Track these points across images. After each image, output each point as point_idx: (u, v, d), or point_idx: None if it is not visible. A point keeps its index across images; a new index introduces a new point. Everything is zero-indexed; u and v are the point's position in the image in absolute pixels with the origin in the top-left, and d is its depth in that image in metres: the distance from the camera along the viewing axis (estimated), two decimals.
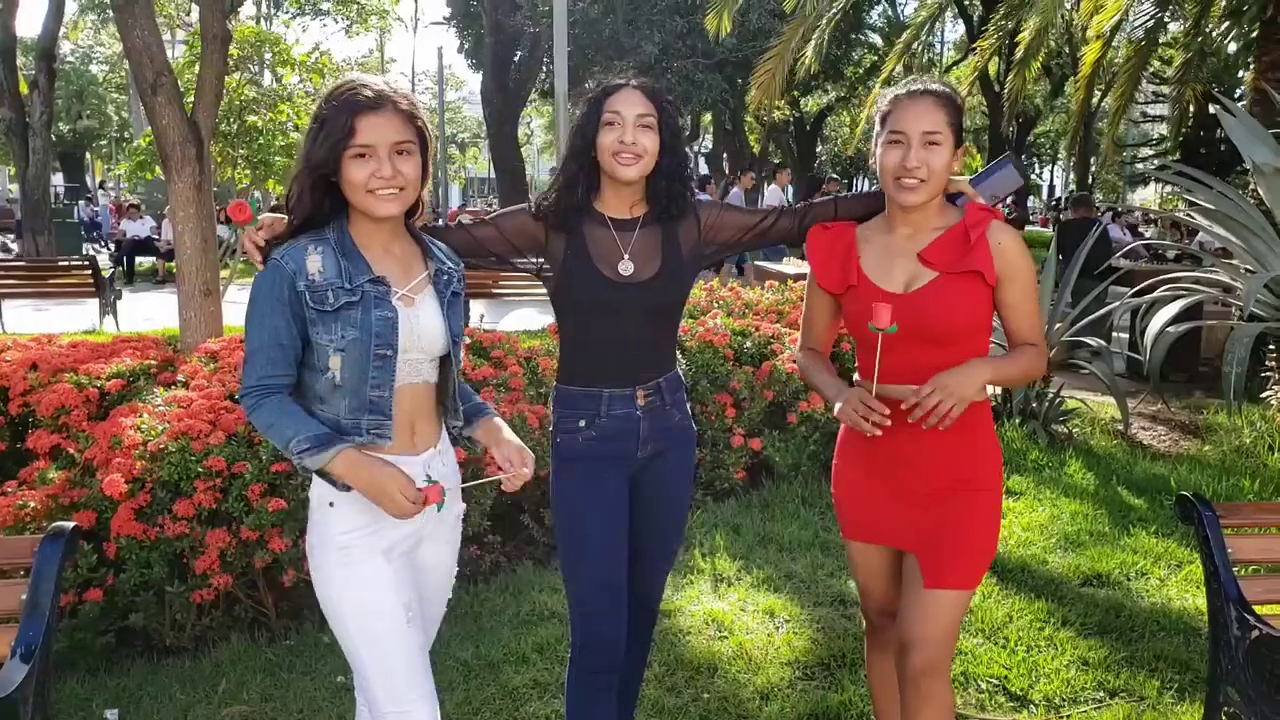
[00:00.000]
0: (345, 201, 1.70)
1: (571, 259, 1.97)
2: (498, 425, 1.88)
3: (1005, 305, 1.89)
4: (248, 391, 1.68)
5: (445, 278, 1.80)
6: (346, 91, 1.64)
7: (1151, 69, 15.60)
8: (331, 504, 1.72)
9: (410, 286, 1.75)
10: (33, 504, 3.02)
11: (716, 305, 5.51)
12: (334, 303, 1.65)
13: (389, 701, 1.74)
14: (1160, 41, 11.90)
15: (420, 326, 1.73)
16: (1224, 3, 8.79)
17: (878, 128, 1.91)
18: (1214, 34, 9.90)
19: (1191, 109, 13.27)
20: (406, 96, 1.68)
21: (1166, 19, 10.65)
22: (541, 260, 2.02)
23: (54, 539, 2.04)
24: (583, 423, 1.99)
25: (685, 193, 2.02)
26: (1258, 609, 2.08)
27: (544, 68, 19.85)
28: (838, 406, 1.88)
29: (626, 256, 1.97)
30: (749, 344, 4.72)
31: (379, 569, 1.73)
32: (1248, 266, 5.09)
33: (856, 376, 2.01)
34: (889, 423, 1.79)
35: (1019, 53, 8.55)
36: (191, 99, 4.77)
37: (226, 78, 7.11)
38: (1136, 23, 10.37)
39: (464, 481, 1.92)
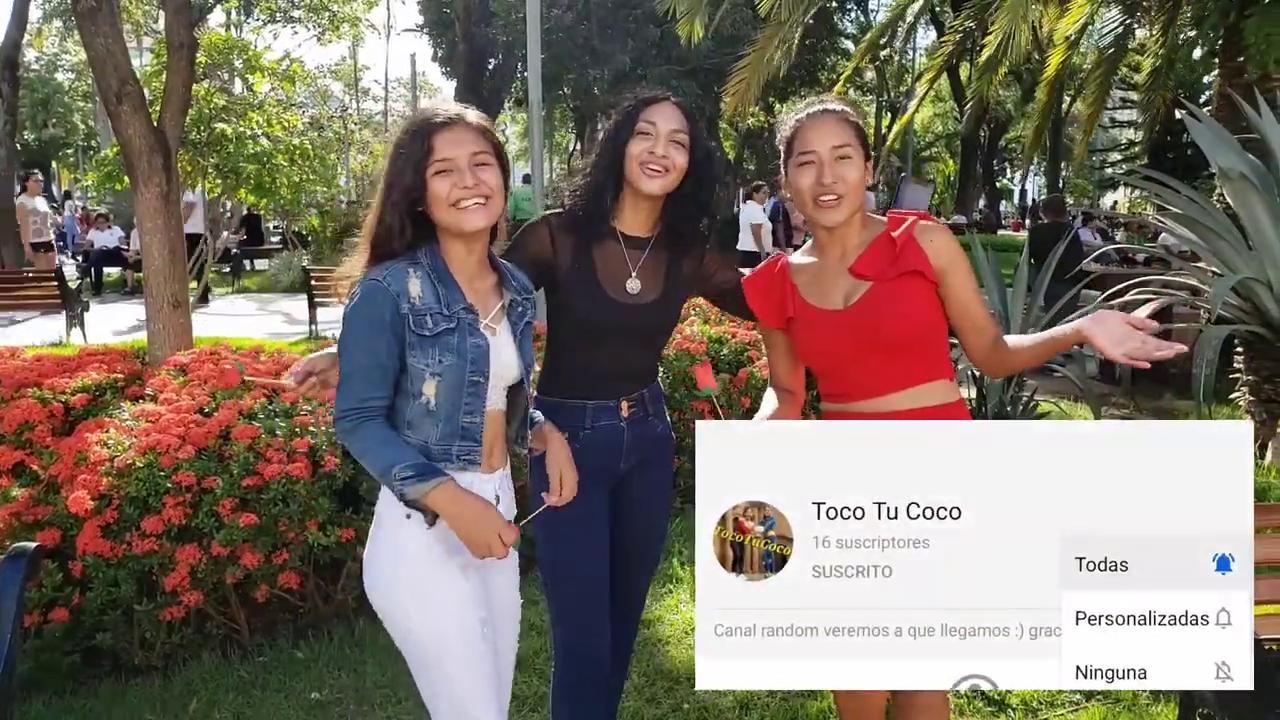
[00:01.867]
0: (431, 231, 1.71)
1: (577, 275, 1.95)
2: (548, 434, 1.88)
3: (953, 299, 1.86)
4: (345, 414, 1.65)
5: (520, 309, 1.81)
6: (420, 117, 1.69)
7: (1119, 75, 15.84)
8: (409, 516, 1.69)
9: (491, 316, 1.76)
10: None
11: (694, 313, 5.50)
12: (433, 328, 1.65)
13: None
14: (1129, 48, 12.07)
15: (502, 356, 1.74)
16: (1190, 11, 8.93)
17: (784, 153, 1.91)
18: (1181, 40, 10.06)
19: (1160, 115, 13.40)
20: (478, 114, 1.73)
21: (1135, 26, 10.79)
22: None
23: (14, 559, 2.00)
24: (566, 435, 1.97)
25: (704, 220, 2.01)
26: None
27: (518, 75, 19.84)
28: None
29: (634, 274, 1.96)
30: (725, 351, 4.72)
31: (457, 581, 1.72)
32: (1215, 269, 5.16)
33: (823, 403, 1.99)
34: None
35: (984, 55, 8.61)
36: (159, 108, 4.71)
37: (196, 86, 7.03)
38: (1105, 30, 10.51)
39: (517, 505, 1.91)
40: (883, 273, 1.85)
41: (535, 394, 2.05)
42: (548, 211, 2.03)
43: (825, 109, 1.89)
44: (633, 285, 1.96)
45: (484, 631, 1.73)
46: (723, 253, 2.12)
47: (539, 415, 1.92)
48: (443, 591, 1.71)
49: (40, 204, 13.02)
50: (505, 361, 1.76)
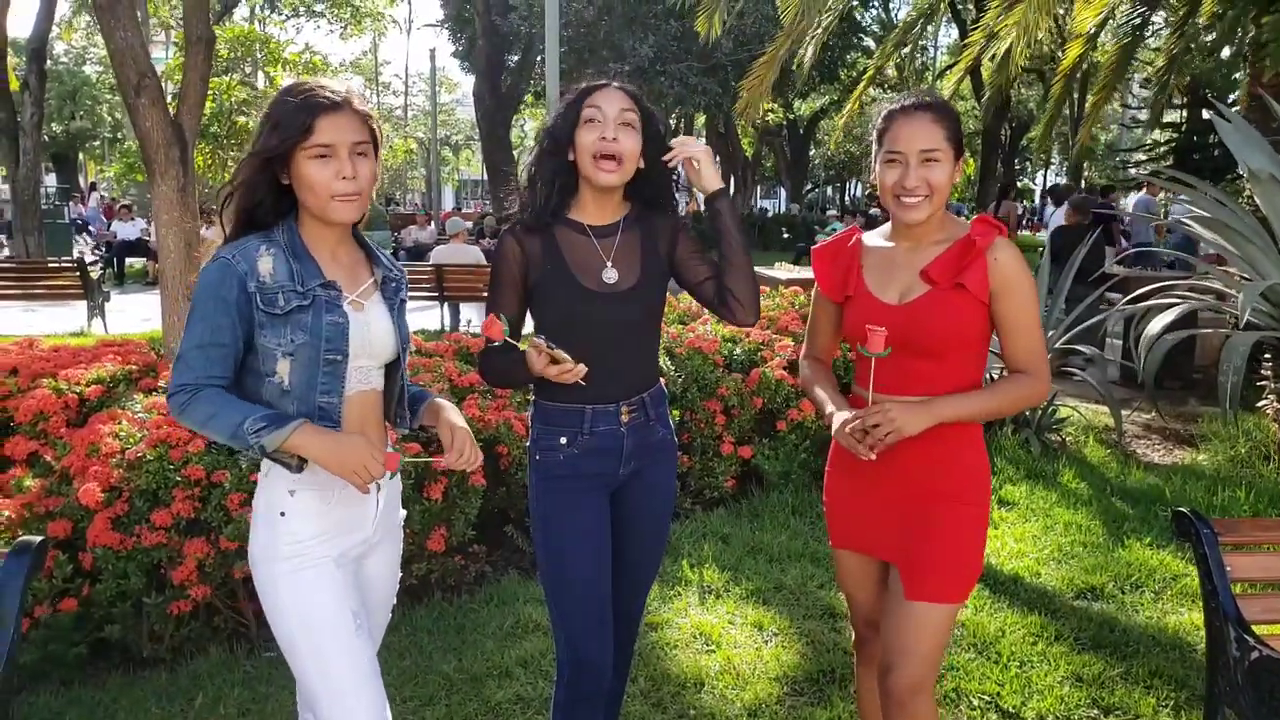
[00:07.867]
0: (293, 204, 1.68)
1: (550, 272, 1.90)
2: (439, 406, 1.84)
3: (998, 323, 1.85)
4: (179, 389, 1.59)
5: (393, 284, 1.79)
6: (307, 91, 1.63)
7: (1145, 74, 15.57)
8: (283, 514, 1.69)
9: (359, 292, 1.73)
10: (7, 513, 2.96)
11: (706, 311, 5.45)
12: (284, 306, 1.61)
13: (334, 715, 1.70)
14: (1153, 46, 11.84)
15: (370, 333, 1.71)
16: (1214, 7, 8.76)
17: (875, 145, 1.89)
18: (1202, 34, 9.88)
19: (1184, 113, 13.10)
20: (363, 98, 1.69)
21: (1155, 18, 10.62)
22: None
23: (19, 554, 1.99)
24: (564, 440, 1.93)
25: (672, 193, 1.96)
26: (1256, 629, 2.04)
27: (537, 70, 19.81)
28: (834, 428, 1.87)
29: (610, 264, 1.91)
30: (739, 350, 4.67)
31: (331, 577, 1.70)
32: (1243, 274, 5.05)
33: (854, 386, 1.98)
34: (872, 456, 1.79)
35: (1000, 48, 8.51)
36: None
37: (217, 79, 7.05)
38: (1124, 21, 10.33)
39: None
40: (947, 280, 1.83)
41: (533, 398, 2.01)
42: (510, 224, 1.97)
43: (918, 104, 1.83)
44: (609, 275, 1.90)
45: (356, 624, 1.70)
46: (695, 242, 2.02)
47: (428, 392, 1.88)
48: (314, 588, 1.68)
49: None
50: (376, 337, 1.72)
